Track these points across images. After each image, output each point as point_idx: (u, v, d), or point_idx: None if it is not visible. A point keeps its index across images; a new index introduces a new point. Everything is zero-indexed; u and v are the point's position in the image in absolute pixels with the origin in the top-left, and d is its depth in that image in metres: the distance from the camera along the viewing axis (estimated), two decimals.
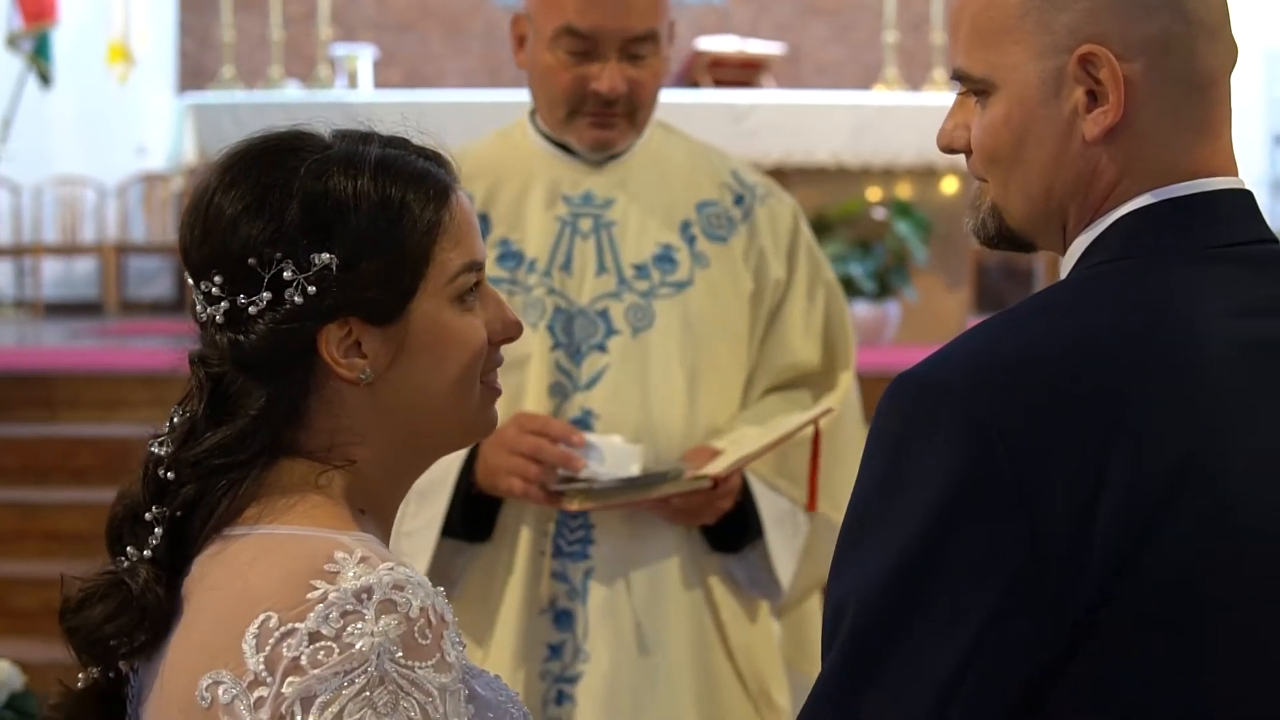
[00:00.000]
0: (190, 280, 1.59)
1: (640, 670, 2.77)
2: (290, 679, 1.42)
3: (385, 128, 1.63)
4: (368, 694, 1.42)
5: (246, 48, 10.27)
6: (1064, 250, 1.56)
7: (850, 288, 7.51)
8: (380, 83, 10.98)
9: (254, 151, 1.59)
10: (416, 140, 1.63)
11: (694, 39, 9.57)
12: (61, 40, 10.50)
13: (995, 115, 1.54)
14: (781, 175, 6.46)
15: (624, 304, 2.80)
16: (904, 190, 8.27)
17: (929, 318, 8.03)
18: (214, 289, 1.56)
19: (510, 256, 2.82)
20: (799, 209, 2.96)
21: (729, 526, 2.79)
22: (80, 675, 1.60)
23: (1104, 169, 1.52)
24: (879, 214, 8.23)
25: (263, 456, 1.55)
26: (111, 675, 1.60)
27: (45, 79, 10.23)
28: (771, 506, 2.80)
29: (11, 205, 11.46)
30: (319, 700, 1.42)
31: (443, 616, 1.47)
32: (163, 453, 1.57)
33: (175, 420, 1.59)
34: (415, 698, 1.43)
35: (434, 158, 1.63)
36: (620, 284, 2.81)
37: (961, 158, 1.61)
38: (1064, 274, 1.55)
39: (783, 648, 2.97)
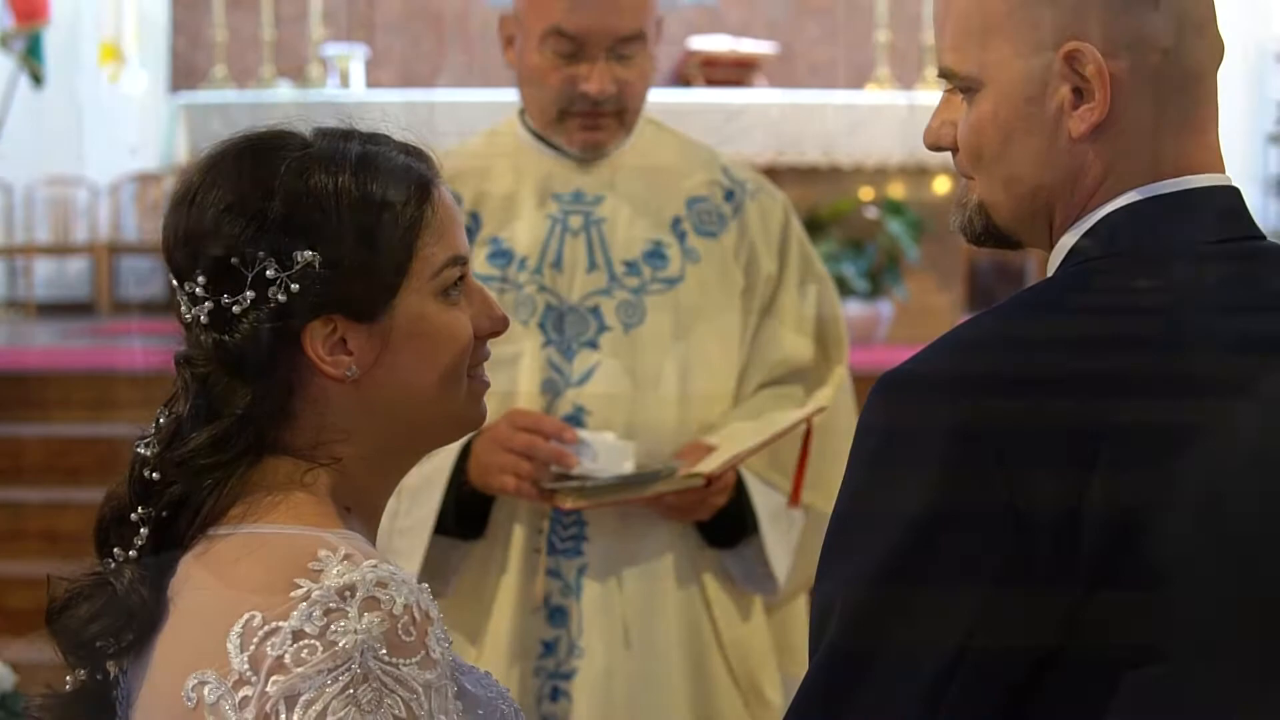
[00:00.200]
0: (174, 281, 1.59)
1: (634, 666, 2.78)
2: (274, 678, 1.42)
3: (366, 125, 1.63)
4: (351, 692, 1.42)
5: (238, 47, 10.26)
6: (1050, 247, 1.56)
7: (842, 287, 7.51)
8: (372, 82, 10.98)
9: (235, 151, 1.59)
10: (398, 136, 1.63)
11: (686, 38, 9.58)
12: (53, 40, 10.49)
13: (982, 113, 1.54)
14: (773, 174, 6.45)
15: (615, 300, 2.81)
16: (896, 189, 8.28)
17: (921, 317, 8.03)
18: (198, 289, 1.56)
19: (501, 254, 2.82)
20: (789, 204, 2.97)
21: (724, 522, 2.80)
22: (68, 678, 1.60)
23: (1090, 166, 1.52)
24: (871, 213, 8.24)
25: (248, 455, 1.55)
26: (99, 677, 1.60)
27: (37, 79, 10.22)
28: (766, 502, 2.81)
29: (3, 205, 11.45)
30: (303, 698, 1.42)
31: (427, 613, 1.47)
32: (148, 453, 1.57)
33: (161, 421, 1.59)
34: (400, 695, 1.43)
35: (415, 153, 1.63)
36: (611, 280, 2.82)
37: (961, 171, 1.61)
38: (1050, 271, 1.55)
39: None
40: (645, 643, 2.79)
